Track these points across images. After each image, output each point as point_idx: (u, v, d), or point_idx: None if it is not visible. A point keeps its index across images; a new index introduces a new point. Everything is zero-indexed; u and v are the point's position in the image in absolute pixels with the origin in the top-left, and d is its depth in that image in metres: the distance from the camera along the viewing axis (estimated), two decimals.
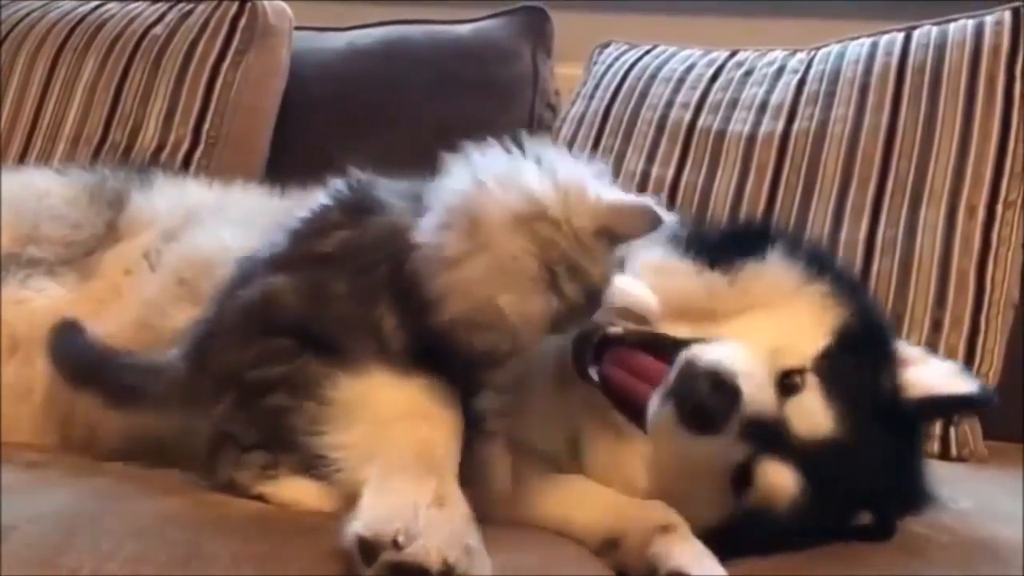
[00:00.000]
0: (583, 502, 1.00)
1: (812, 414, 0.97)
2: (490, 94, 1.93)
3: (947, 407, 1.10)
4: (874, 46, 1.65)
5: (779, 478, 0.96)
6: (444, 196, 0.94)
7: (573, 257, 0.90)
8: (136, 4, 1.99)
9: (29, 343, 1.24)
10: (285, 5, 1.97)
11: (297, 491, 0.96)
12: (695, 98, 1.71)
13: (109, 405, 1.07)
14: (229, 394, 0.98)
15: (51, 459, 1.13)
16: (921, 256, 1.48)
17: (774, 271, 1.07)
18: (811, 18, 2.00)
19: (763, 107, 1.66)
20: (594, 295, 0.93)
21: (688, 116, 1.70)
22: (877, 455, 1.00)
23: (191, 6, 1.96)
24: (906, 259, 1.49)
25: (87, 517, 0.91)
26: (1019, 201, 1.50)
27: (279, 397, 0.96)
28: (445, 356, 0.93)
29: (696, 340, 1.00)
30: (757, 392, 0.95)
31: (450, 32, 2.02)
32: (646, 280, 1.06)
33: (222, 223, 1.29)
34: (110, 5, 2.00)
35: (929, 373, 1.06)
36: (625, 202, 0.92)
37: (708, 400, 0.93)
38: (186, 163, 1.83)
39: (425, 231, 0.93)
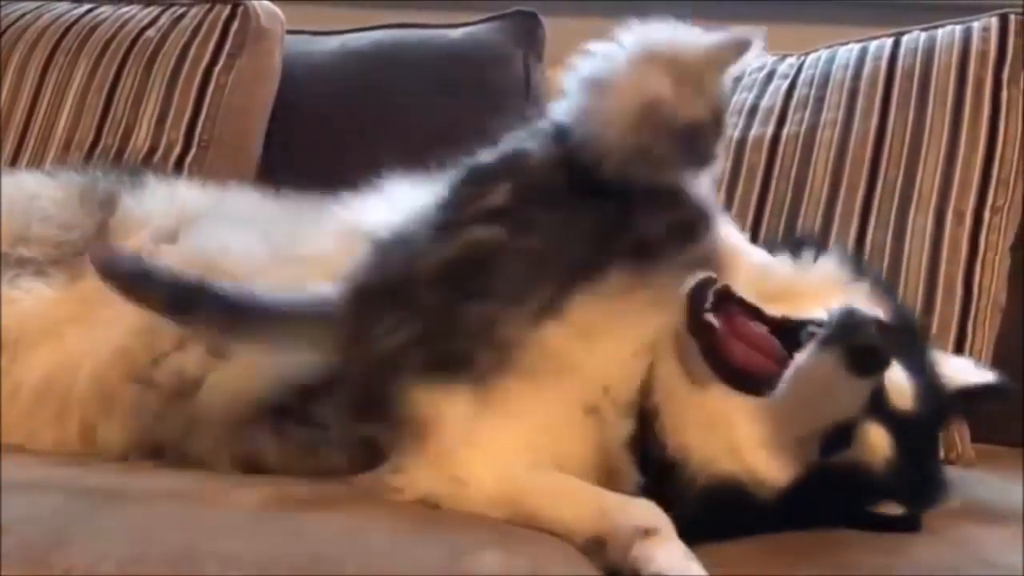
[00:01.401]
0: (572, 500, 1.01)
1: (900, 387, 1.05)
2: (481, 98, 1.93)
3: (981, 394, 1.18)
4: (863, 51, 1.66)
5: (879, 439, 1.02)
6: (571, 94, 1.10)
7: (693, 78, 1.06)
8: (129, 7, 1.99)
9: (16, 344, 1.24)
10: (277, 8, 1.97)
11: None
12: None
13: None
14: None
15: (46, 459, 1.13)
16: (909, 260, 1.49)
17: (832, 266, 1.18)
18: (801, 23, 2.01)
19: (753, 111, 1.67)
20: (718, 115, 1.09)
21: None
22: (934, 434, 1.14)
23: (184, 9, 1.95)
24: (895, 263, 1.50)
25: (82, 517, 0.91)
26: (1006, 206, 1.51)
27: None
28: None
29: (801, 320, 1.05)
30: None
31: (442, 36, 2.02)
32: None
33: (221, 224, 1.29)
34: (103, 8, 2.00)
35: (954, 367, 1.18)
36: (718, 39, 1.10)
37: (878, 341, 0.98)
38: (178, 166, 1.82)
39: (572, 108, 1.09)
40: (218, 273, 1.12)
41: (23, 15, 2.01)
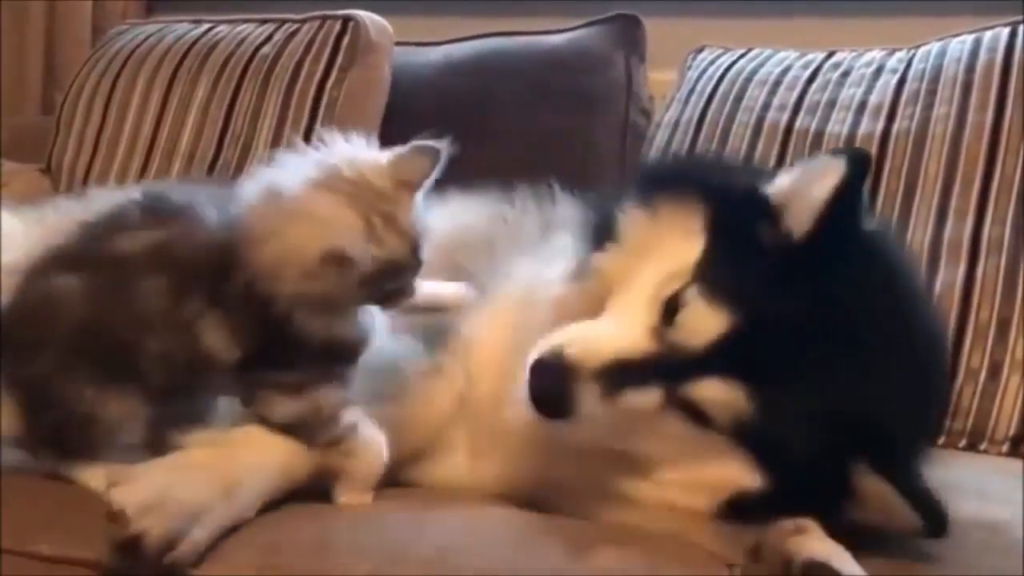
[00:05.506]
0: None
1: (696, 320, 0.94)
2: (584, 102, 1.95)
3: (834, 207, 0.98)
4: (977, 43, 1.62)
5: (709, 391, 0.93)
6: (245, 196, 0.99)
7: (383, 207, 0.95)
8: (245, 25, 2.08)
9: None
10: (386, 22, 2.02)
11: None
12: (792, 100, 1.71)
13: None
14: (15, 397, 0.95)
15: None
16: None
17: (630, 218, 1.05)
18: (910, 16, 1.97)
19: (862, 107, 1.65)
20: (415, 247, 0.97)
21: (785, 118, 1.69)
22: (813, 313, 0.94)
23: (297, 26, 2.03)
24: (1013, 258, 1.46)
25: None
26: None
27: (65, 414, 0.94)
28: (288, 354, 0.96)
29: None
30: (604, 341, 0.95)
31: (544, 42, 2.04)
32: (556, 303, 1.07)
33: None
34: (220, 27, 2.09)
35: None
36: (402, 153, 1.00)
37: (539, 389, 0.95)
38: None
39: (237, 226, 0.96)
40: None
41: (148, 36, 2.12)
